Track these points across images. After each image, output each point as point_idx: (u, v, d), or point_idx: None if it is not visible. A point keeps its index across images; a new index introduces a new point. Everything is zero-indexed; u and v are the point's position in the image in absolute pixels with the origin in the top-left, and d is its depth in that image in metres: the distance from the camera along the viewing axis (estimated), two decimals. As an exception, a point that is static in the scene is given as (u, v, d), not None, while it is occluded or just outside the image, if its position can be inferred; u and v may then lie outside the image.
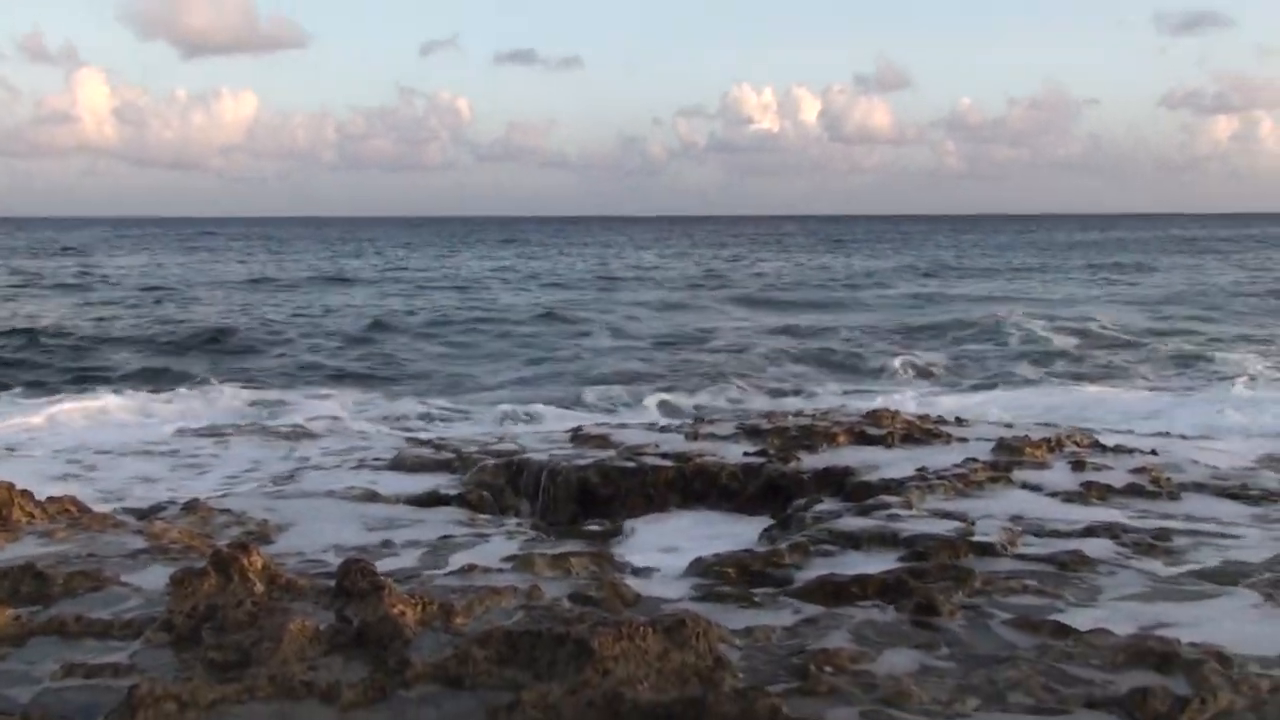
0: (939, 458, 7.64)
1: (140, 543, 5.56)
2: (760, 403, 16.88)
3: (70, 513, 6.22)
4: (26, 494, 6.15)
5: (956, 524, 5.89)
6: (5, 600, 4.42)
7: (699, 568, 5.54)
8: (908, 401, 15.65)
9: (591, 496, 7.69)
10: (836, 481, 7.24)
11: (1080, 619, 4.39)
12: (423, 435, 11.33)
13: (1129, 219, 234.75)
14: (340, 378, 20.73)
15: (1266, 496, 6.45)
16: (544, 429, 12.13)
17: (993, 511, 6.20)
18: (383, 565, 5.08)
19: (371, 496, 7.25)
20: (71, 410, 15.66)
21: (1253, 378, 19.05)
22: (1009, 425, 9.74)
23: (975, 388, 19.23)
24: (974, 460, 7.42)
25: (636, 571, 5.73)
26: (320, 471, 8.54)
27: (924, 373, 21.20)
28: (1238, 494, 6.53)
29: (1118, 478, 6.88)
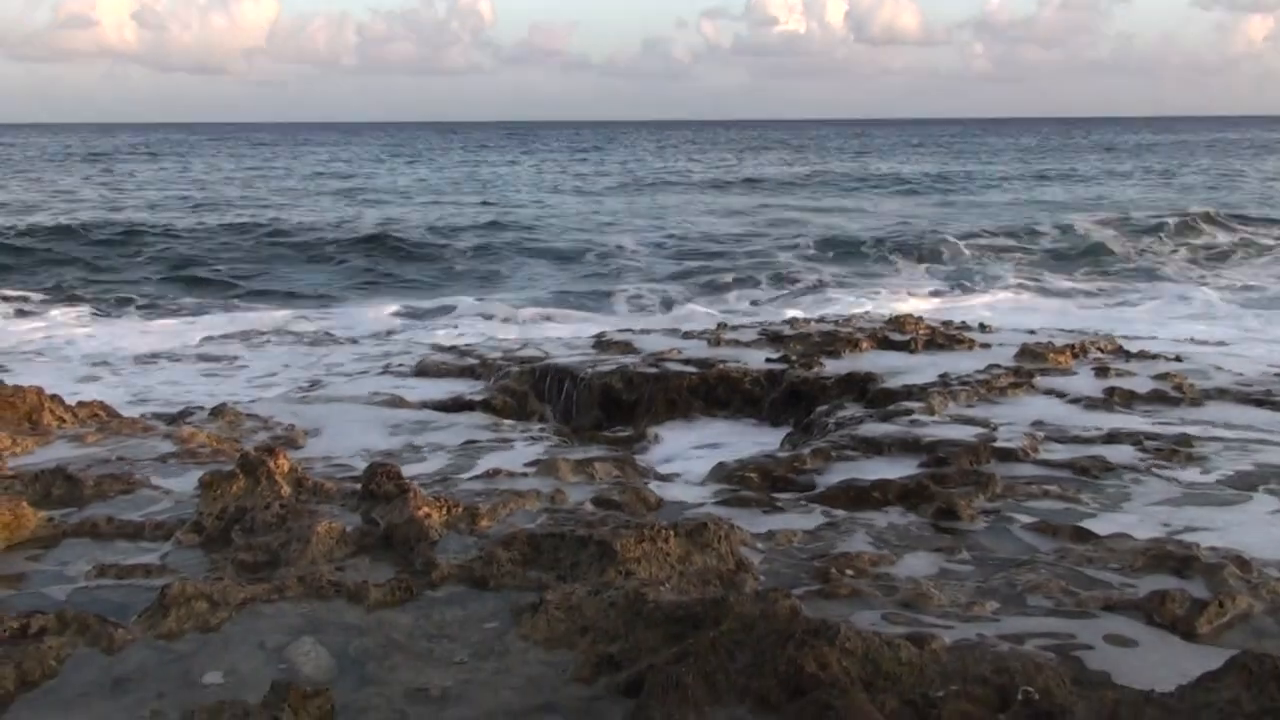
0: (962, 363, 7.64)
1: (169, 446, 5.63)
2: (786, 306, 16.91)
3: (100, 417, 6.30)
4: (57, 398, 6.23)
5: (979, 429, 5.90)
6: (38, 502, 4.50)
7: (721, 473, 5.58)
8: (952, 306, 15.64)
9: (615, 402, 7.72)
10: (859, 387, 7.24)
11: (1100, 524, 4.41)
12: (446, 342, 11.38)
13: (1160, 121, 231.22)
14: (380, 285, 20.95)
15: (1291, 403, 6.43)
16: (570, 333, 12.17)
17: (1015, 417, 6.20)
18: (408, 469, 5.13)
19: (397, 402, 7.31)
20: (108, 319, 15.91)
21: None
22: (1032, 331, 9.71)
23: (1005, 288, 19.22)
24: (997, 366, 7.41)
25: (659, 476, 5.78)
26: (346, 377, 8.61)
27: (953, 276, 21.14)
28: (1262, 400, 6.51)
29: (1141, 384, 6.87)
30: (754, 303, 18.03)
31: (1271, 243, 24.08)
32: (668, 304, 18.03)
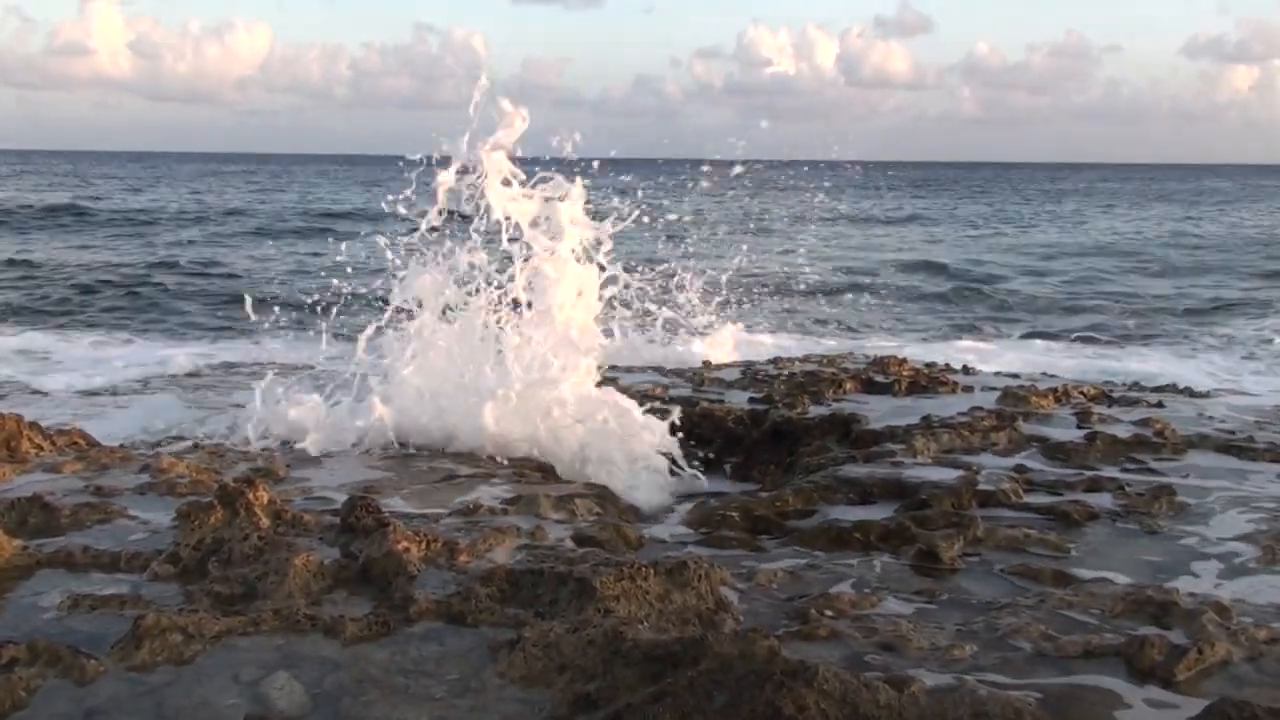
0: (945, 406, 7.64)
1: (148, 477, 5.60)
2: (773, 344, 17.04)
3: (79, 445, 6.27)
4: (35, 426, 6.19)
5: (961, 472, 5.90)
6: (13, 531, 4.46)
7: (703, 512, 5.56)
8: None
9: (598, 439, 7.69)
10: (842, 428, 7.24)
11: (1081, 568, 4.42)
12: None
13: (1146, 169, 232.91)
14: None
15: (1272, 451, 6.44)
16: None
17: (997, 460, 6.20)
18: (388, 503, 5.11)
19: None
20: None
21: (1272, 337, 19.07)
22: (1015, 375, 9.74)
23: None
24: (980, 409, 7.42)
25: (641, 515, 5.75)
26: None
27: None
28: (1244, 448, 6.52)
29: (1124, 429, 6.87)
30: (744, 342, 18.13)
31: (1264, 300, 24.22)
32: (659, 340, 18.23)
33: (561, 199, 6.80)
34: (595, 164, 7.79)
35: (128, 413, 9.67)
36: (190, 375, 12.46)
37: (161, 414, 9.53)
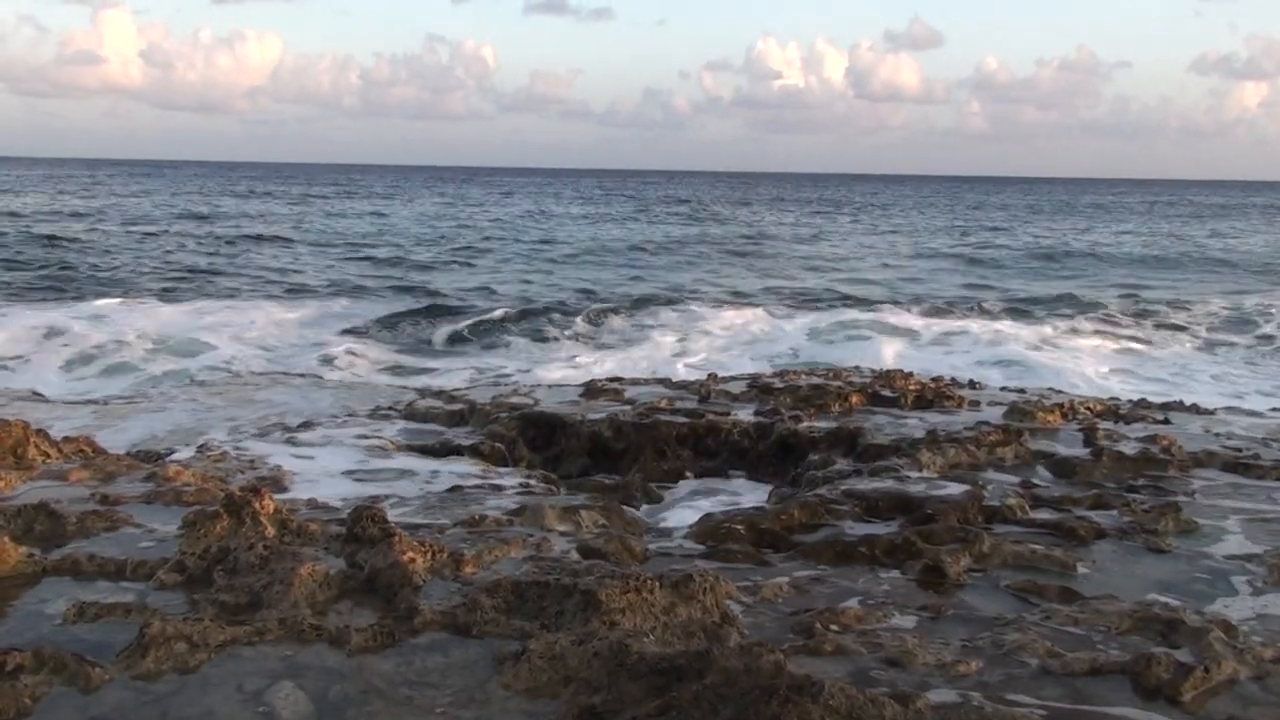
0: (951, 420, 7.63)
1: (154, 485, 5.60)
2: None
3: (85, 453, 6.27)
4: (42, 433, 6.20)
5: (967, 487, 5.89)
6: (19, 538, 4.47)
7: (709, 524, 5.55)
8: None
9: (603, 450, 7.70)
10: (848, 441, 7.24)
11: (1087, 585, 4.41)
12: (435, 386, 11.36)
13: (1154, 184, 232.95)
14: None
15: (1278, 469, 6.42)
16: (556, 381, 12.16)
17: (1003, 475, 6.20)
18: (393, 513, 5.10)
19: (384, 445, 7.29)
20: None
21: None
22: (1022, 390, 9.73)
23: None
24: (986, 424, 7.40)
25: (646, 526, 5.75)
26: (334, 418, 8.58)
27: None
28: (1250, 465, 6.51)
29: (1130, 446, 6.86)
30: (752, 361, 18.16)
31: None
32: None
33: None
34: None
35: (138, 419, 9.66)
36: (200, 384, 12.47)
37: (172, 421, 9.54)
